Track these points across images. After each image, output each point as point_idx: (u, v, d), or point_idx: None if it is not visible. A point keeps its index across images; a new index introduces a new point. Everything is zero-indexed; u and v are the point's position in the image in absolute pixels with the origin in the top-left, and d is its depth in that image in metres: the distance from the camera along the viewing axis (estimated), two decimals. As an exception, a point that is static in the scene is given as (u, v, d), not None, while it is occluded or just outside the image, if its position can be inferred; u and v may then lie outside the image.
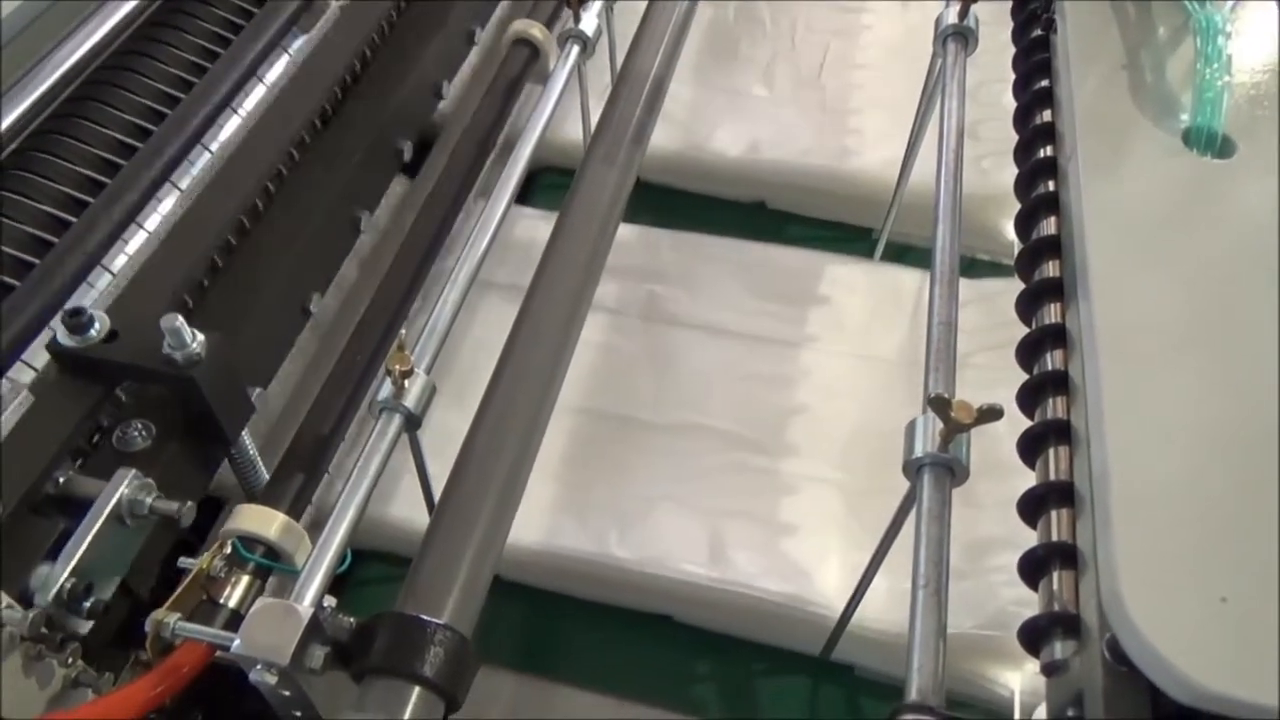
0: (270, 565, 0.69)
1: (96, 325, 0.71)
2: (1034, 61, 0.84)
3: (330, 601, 0.63)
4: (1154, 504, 0.49)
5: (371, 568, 0.95)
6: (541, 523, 0.97)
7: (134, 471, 0.67)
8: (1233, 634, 0.44)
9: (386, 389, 0.70)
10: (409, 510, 0.94)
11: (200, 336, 0.70)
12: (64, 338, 0.71)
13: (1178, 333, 0.57)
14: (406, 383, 0.69)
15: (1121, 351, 0.55)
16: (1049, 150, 0.76)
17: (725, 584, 0.92)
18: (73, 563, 0.63)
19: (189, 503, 0.69)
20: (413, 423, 0.71)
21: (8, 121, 0.83)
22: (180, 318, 0.69)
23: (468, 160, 1.01)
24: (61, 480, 0.69)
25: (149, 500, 0.67)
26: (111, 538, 0.66)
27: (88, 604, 0.64)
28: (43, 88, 0.87)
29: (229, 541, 0.67)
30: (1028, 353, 0.68)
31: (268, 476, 0.84)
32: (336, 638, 0.61)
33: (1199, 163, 0.66)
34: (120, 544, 0.68)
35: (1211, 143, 0.67)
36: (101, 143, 0.86)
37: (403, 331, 0.74)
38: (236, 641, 0.57)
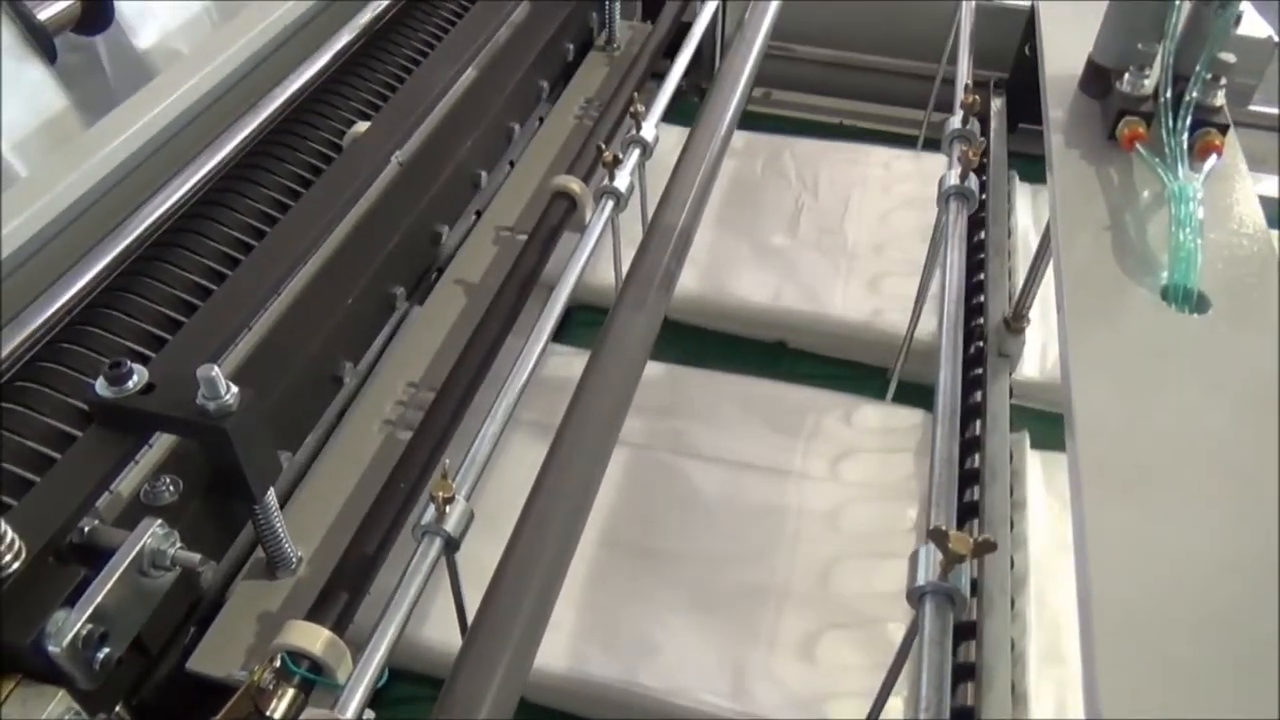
0: (314, 679, 0.73)
1: (135, 377, 0.74)
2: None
3: (370, 715, 0.67)
4: (1132, 629, 0.53)
5: (405, 688, 0.99)
6: (568, 649, 1.00)
7: (159, 522, 0.70)
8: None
9: (429, 514, 0.75)
10: (442, 631, 0.98)
11: (234, 389, 0.73)
12: (102, 389, 0.74)
13: (1154, 471, 0.61)
14: (448, 508, 0.75)
15: (1103, 488, 0.60)
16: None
17: (743, 715, 0.95)
18: (91, 608, 0.65)
19: (210, 560, 0.72)
20: (451, 546, 0.76)
21: (104, 262, 0.93)
22: (216, 368, 0.71)
23: (510, 301, 1.10)
24: (87, 530, 0.71)
25: (171, 551, 0.70)
26: (132, 589, 0.67)
27: (100, 655, 0.66)
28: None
29: (278, 655, 0.72)
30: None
31: (291, 548, 0.89)
32: (374, 750, 0.65)
33: (1177, 318, 0.72)
34: (139, 597, 0.69)
35: (1188, 299, 0.73)
36: (182, 285, 0.96)
37: (446, 461, 0.79)
38: (284, 750, 0.61)
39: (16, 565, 0.65)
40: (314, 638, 0.74)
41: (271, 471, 0.81)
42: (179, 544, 0.71)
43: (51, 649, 0.63)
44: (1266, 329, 0.72)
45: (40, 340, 0.87)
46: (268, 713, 0.69)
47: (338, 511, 0.96)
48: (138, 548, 0.68)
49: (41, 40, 1.23)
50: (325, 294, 1.01)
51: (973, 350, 1.14)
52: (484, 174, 1.37)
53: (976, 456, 1.05)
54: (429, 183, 1.21)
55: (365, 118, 1.19)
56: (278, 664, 0.72)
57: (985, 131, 1.48)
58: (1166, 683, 0.51)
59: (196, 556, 0.71)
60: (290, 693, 0.72)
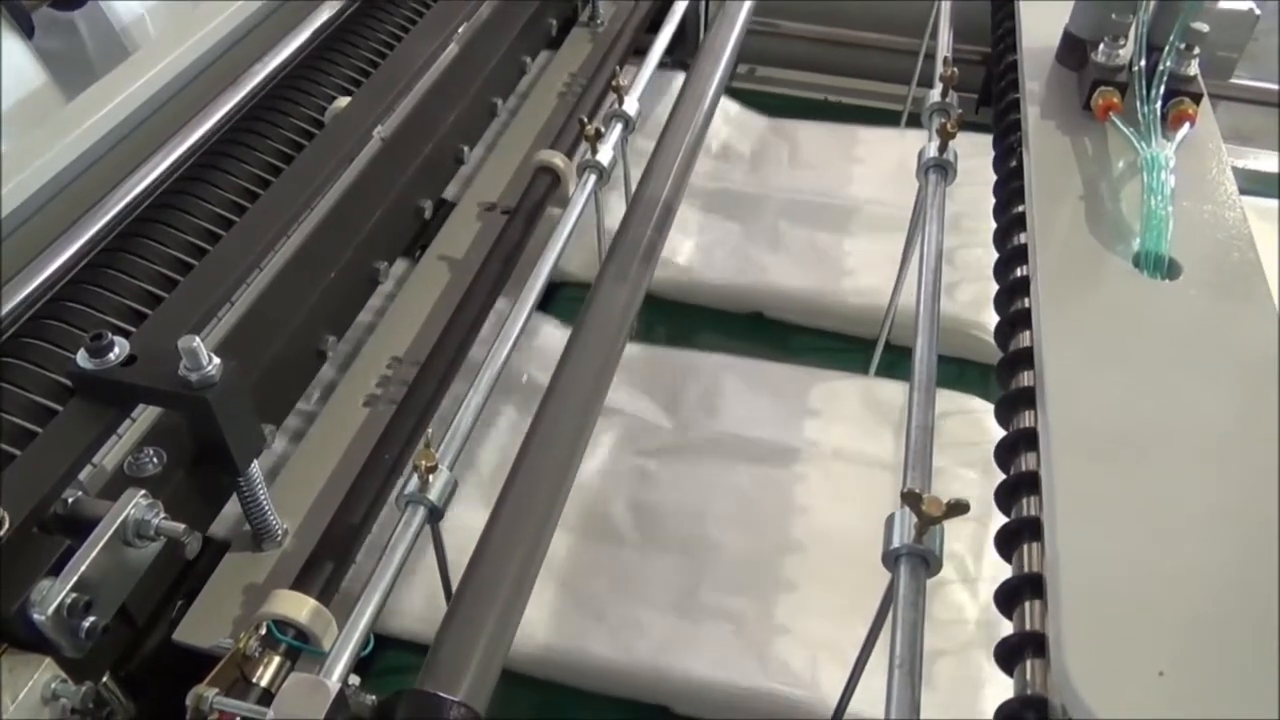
0: (300, 647, 0.74)
1: (116, 349, 0.74)
2: (1011, 189, 0.94)
3: (355, 680, 0.68)
4: (1098, 587, 0.54)
5: (390, 658, 1.00)
6: (551, 619, 1.02)
7: (142, 492, 0.70)
8: (1170, 704, 0.49)
9: (413, 483, 0.76)
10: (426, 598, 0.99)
11: (216, 360, 0.73)
12: (84, 361, 0.74)
13: (1124, 437, 0.63)
14: (431, 477, 0.75)
15: (1073, 452, 0.61)
16: (1023, 269, 0.85)
17: (732, 685, 0.96)
18: (75, 577, 0.65)
19: (195, 531, 0.71)
20: (435, 515, 0.77)
21: (86, 237, 0.93)
22: (198, 339, 0.71)
23: (494, 275, 1.10)
24: (71, 500, 0.72)
25: (155, 521, 0.70)
26: (116, 559, 0.68)
27: (86, 623, 0.66)
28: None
29: (264, 623, 0.73)
30: (1004, 454, 0.74)
31: (277, 519, 0.90)
32: (359, 714, 0.66)
33: (1148, 284, 0.73)
34: (124, 567, 0.69)
35: (1159, 265, 0.74)
36: (163, 260, 0.96)
37: (429, 431, 0.80)
38: (270, 714, 0.62)
39: (0, 535, 0.65)
40: (299, 606, 0.75)
41: (255, 443, 0.81)
42: (163, 514, 0.71)
43: (36, 617, 0.64)
44: (1237, 294, 0.73)
45: (22, 316, 0.88)
46: (254, 680, 0.70)
47: (322, 485, 0.97)
48: (121, 517, 0.68)
49: (18, 16, 1.22)
50: (308, 268, 1.02)
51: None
52: (466, 149, 1.37)
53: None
54: (411, 157, 1.21)
55: (347, 93, 1.18)
56: (263, 632, 0.72)
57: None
58: (1135, 649, 0.52)
59: (181, 526, 0.71)
60: (276, 660, 0.73)
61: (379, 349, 1.14)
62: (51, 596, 0.64)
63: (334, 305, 1.07)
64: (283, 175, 1.03)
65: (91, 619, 0.67)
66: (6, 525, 0.65)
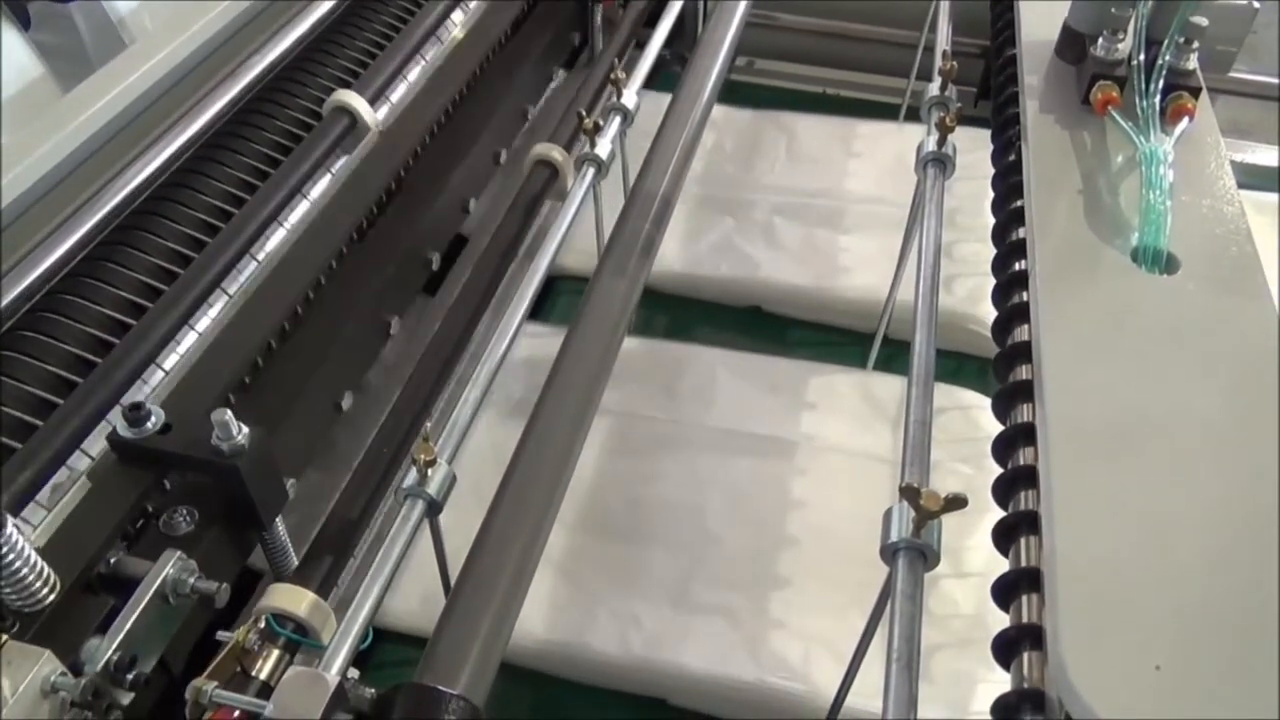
0: (299, 640, 0.74)
1: (153, 419, 0.78)
2: (1010, 183, 0.93)
3: (354, 673, 0.68)
4: (1095, 582, 0.54)
5: (389, 651, 1.00)
6: (551, 613, 1.02)
7: (179, 553, 0.73)
8: (1166, 698, 0.49)
9: (411, 477, 0.76)
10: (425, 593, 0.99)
11: (245, 429, 0.76)
12: (123, 430, 0.78)
13: (1123, 431, 0.63)
14: (430, 471, 0.75)
15: (1071, 446, 0.61)
16: (1022, 264, 0.85)
17: (726, 678, 0.97)
18: (120, 636, 0.68)
19: (224, 584, 0.74)
20: (434, 509, 0.77)
21: (82, 231, 0.93)
22: (229, 412, 0.75)
23: (490, 269, 1.10)
24: (113, 560, 0.74)
25: (191, 580, 0.73)
26: (156, 615, 0.71)
27: (130, 675, 0.68)
28: (107, 208, 0.97)
29: (263, 617, 0.73)
30: (1002, 448, 0.74)
31: (296, 561, 0.90)
32: (358, 708, 0.66)
33: (1146, 278, 0.73)
34: (163, 621, 0.72)
35: (1157, 260, 0.74)
36: (160, 253, 0.96)
37: (427, 424, 0.80)
38: (269, 707, 0.62)
39: (52, 598, 0.67)
40: (298, 600, 0.74)
41: (280, 501, 0.84)
42: (198, 574, 0.73)
43: (87, 675, 0.66)
44: (1235, 289, 0.73)
45: (19, 309, 0.87)
46: (253, 673, 0.70)
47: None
48: (160, 577, 0.70)
49: (15, 8, 1.21)
50: (321, 326, 1.02)
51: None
52: (473, 200, 1.37)
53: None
54: (421, 211, 1.20)
55: (345, 85, 1.17)
56: (262, 625, 0.72)
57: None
58: (1133, 643, 0.52)
59: (214, 585, 0.73)
60: (275, 653, 0.72)
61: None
62: (100, 655, 0.66)
63: (348, 361, 1.07)
64: (298, 240, 1.02)
65: (135, 671, 0.68)
66: (58, 588, 0.67)
